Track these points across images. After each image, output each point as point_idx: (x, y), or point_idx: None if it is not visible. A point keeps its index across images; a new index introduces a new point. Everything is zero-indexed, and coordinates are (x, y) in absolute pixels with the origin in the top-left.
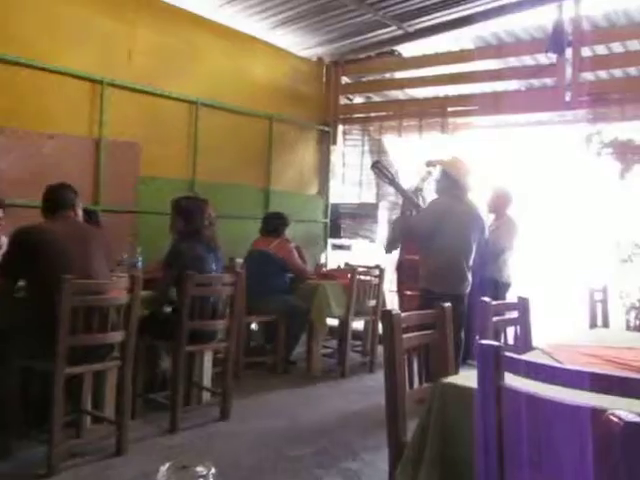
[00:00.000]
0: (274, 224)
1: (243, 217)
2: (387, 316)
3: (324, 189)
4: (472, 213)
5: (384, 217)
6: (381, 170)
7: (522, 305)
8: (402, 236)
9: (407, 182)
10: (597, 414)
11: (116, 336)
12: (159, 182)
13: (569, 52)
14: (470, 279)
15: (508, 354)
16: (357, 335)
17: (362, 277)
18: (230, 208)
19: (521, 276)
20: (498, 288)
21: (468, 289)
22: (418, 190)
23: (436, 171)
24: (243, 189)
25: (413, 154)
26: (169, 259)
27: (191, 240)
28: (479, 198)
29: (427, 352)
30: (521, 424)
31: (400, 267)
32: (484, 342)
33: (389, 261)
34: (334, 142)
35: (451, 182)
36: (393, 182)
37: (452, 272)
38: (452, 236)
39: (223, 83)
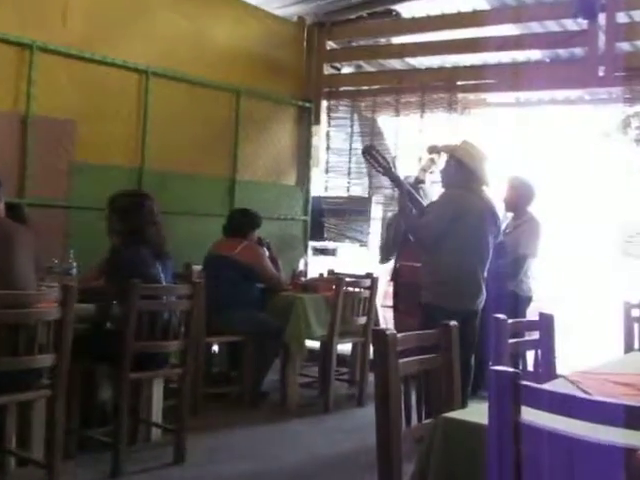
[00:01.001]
0: (241, 223)
1: (203, 214)
2: (379, 337)
3: (304, 179)
4: (489, 210)
5: (378, 214)
6: (374, 157)
7: (545, 324)
8: (414, 239)
9: (405, 172)
10: (631, 454)
11: (45, 359)
12: (98, 170)
13: (602, 17)
14: (485, 291)
15: (527, 383)
16: (343, 360)
17: (350, 289)
18: (187, 203)
19: (544, 288)
20: (517, 303)
21: (482, 304)
22: (418, 182)
23: (441, 159)
24: (203, 180)
25: (414, 137)
26: (108, 268)
27: (134, 243)
28: (493, 192)
29: (428, 381)
30: (542, 467)
31: (397, 276)
32: (498, 368)
33: (383, 269)
34: (317, 121)
35: (466, 172)
36: (388, 172)
37: (466, 283)
38: (468, 238)
39: (179, 48)
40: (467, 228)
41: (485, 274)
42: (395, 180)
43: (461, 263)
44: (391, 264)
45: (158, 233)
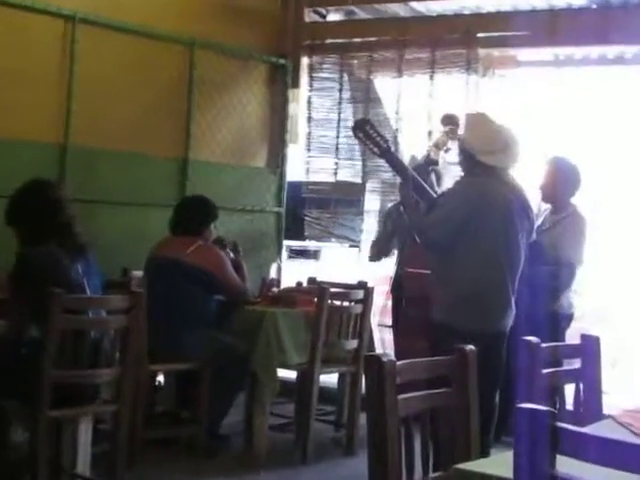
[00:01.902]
0: (194, 216)
1: (144, 204)
2: (373, 365)
3: (277, 160)
4: (520, 201)
5: (374, 206)
6: (368, 134)
7: (589, 349)
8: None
9: (411, 151)
10: None
11: None
12: (9, 147)
13: None
14: (514, 308)
15: (565, 426)
16: (327, 396)
17: (337, 302)
18: (124, 190)
19: (587, 303)
20: (554, 322)
21: (511, 323)
22: (430, 164)
23: (459, 135)
24: (145, 160)
25: (422, 105)
26: (15, 275)
27: (44, 242)
28: (525, 178)
29: (437, 423)
30: None
31: (398, 287)
32: (529, 406)
33: (380, 277)
34: (295, 84)
35: (489, 152)
36: (386, 153)
37: (490, 296)
38: (492, 239)
39: None
40: (491, 226)
41: (516, 285)
42: (395, 163)
43: (483, 271)
44: (390, 270)
45: (69, 227)
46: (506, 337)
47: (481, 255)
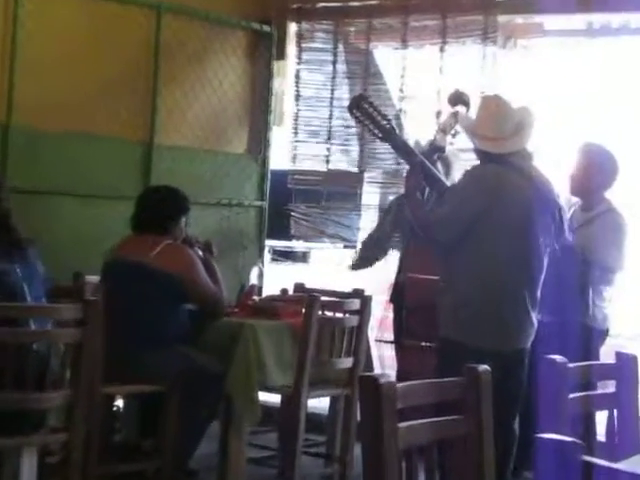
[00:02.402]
0: (159, 212)
1: (102, 196)
2: (369, 387)
3: (259, 145)
4: (543, 194)
5: (373, 200)
6: (367, 113)
7: (625, 370)
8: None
9: (416, 135)
10: None
11: None
12: None
13: None
14: (536, 322)
15: (596, 461)
16: (317, 424)
17: (328, 313)
18: (77, 179)
19: (624, 317)
20: (586, 339)
21: (531, 340)
22: (436, 150)
23: (470, 115)
24: (103, 143)
25: (430, 81)
26: None
27: None
28: (551, 168)
29: (445, 455)
30: None
31: (400, 295)
32: (552, 437)
33: (380, 284)
34: (280, 55)
35: (503, 133)
36: (389, 135)
37: (505, 309)
38: (507, 240)
39: None
40: (504, 226)
41: (538, 293)
42: (400, 147)
43: (495, 278)
44: (391, 276)
45: (4, 221)
46: (526, 356)
47: (492, 260)
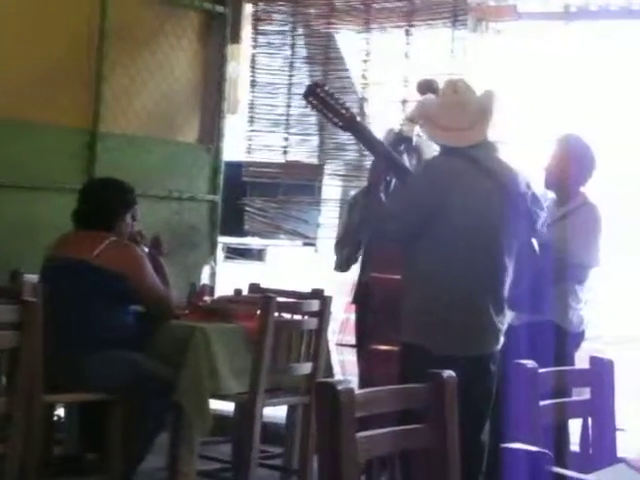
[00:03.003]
0: (103, 206)
1: (41, 188)
2: (326, 394)
3: (212, 134)
4: (506, 188)
5: (334, 193)
6: (324, 101)
7: (600, 375)
8: (379, 236)
9: (381, 125)
10: None
11: None
12: None
13: None
14: (503, 325)
15: (564, 471)
16: (274, 434)
17: (286, 315)
18: (13, 169)
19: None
20: (559, 342)
21: (499, 345)
22: (402, 141)
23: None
24: (43, 131)
25: (396, 67)
26: None
27: None
28: (525, 160)
29: (408, 467)
30: None
31: (363, 296)
32: (520, 447)
33: (341, 284)
34: (235, 39)
35: (464, 123)
36: (351, 123)
37: (463, 311)
38: (462, 238)
39: None
40: (460, 223)
41: (504, 293)
42: (364, 136)
43: (454, 280)
44: (352, 276)
45: None
46: (492, 361)
47: (449, 261)
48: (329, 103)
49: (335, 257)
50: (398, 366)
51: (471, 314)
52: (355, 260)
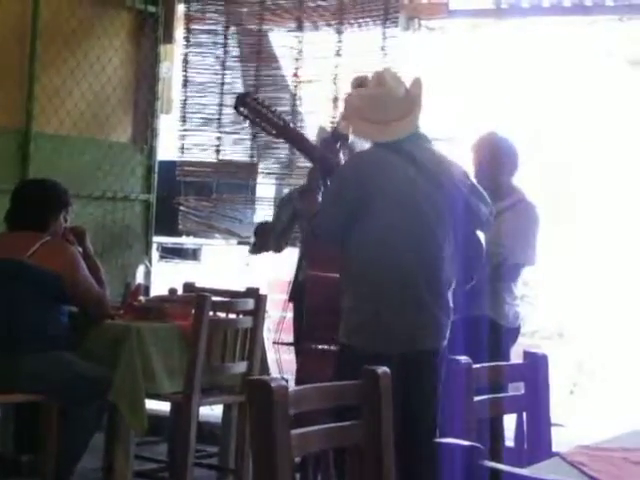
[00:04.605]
0: (37, 206)
1: None
2: (259, 391)
3: (145, 134)
4: (438, 179)
5: (268, 192)
6: (256, 110)
7: (533, 370)
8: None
9: (319, 123)
10: None
11: None
12: None
13: None
14: (447, 319)
15: (496, 465)
16: (209, 434)
17: (220, 314)
18: None
19: (539, 316)
20: (495, 338)
21: (443, 340)
22: (339, 138)
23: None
24: None
25: (328, 65)
26: None
27: None
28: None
29: (343, 464)
30: None
31: (300, 294)
32: (450, 442)
33: (276, 282)
34: (168, 38)
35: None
36: (286, 131)
37: (394, 306)
38: (390, 234)
39: None
40: (386, 218)
41: (441, 289)
42: (298, 142)
43: (383, 273)
44: (289, 273)
45: None
46: (435, 358)
47: (376, 255)
48: (261, 112)
49: (254, 240)
50: (334, 366)
51: (403, 307)
52: (268, 250)
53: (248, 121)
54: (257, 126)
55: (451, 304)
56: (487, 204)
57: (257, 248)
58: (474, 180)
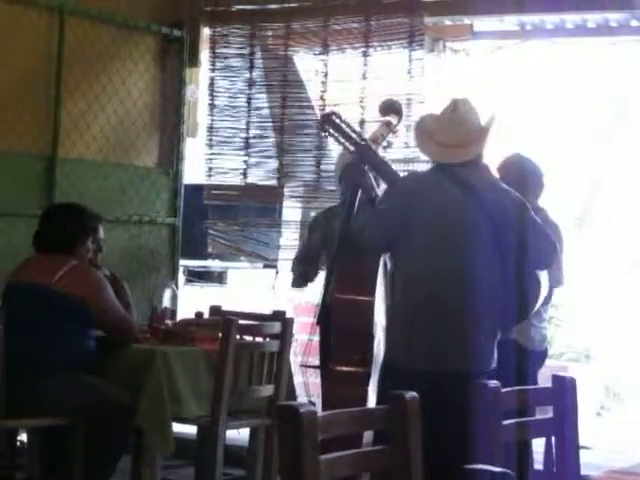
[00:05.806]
0: (64, 230)
1: (1, 215)
2: (287, 416)
3: (171, 158)
4: (484, 200)
5: (294, 215)
6: (339, 127)
7: (562, 394)
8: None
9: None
10: None
11: None
12: None
13: None
14: (487, 342)
15: None
16: (236, 457)
17: (247, 338)
18: None
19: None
20: (523, 361)
21: (484, 363)
22: (363, 161)
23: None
24: (1, 158)
25: (354, 88)
26: None
27: None
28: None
29: None
30: None
31: (326, 317)
32: (478, 467)
33: (303, 305)
34: (193, 62)
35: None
36: (366, 150)
37: (425, 322)
38: (430, 253)
39: None
40: (426, 232)
41: (484, 309)
42: (375, 163)
43: (414, 291)
44: (316, 297)
45: None
46: (468, 380)
47: (410, 272)
48: (342, 130)
49: (292, 274)
50: (364, 387)
51: (434, 325)
52: (312, 279)
53: (332, 138)
54: (338, 143)
55: (494, 329)
56: (549, 242)
57: (302, 280)
58: (537, 216)
